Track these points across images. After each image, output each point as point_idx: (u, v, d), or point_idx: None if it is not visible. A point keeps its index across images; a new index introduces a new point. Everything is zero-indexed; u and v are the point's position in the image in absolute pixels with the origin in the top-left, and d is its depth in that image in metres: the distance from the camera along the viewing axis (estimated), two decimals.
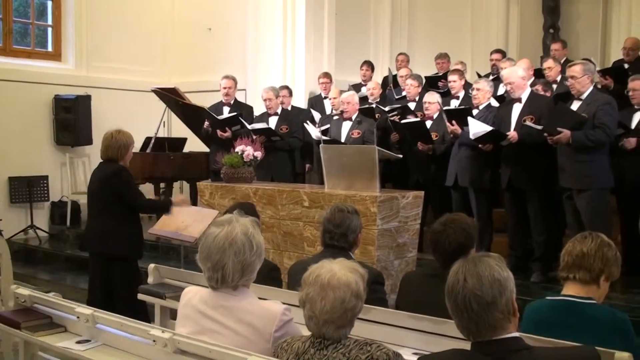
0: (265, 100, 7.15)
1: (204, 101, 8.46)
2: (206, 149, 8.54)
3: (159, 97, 8.65)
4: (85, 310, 2.80)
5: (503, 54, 8.16)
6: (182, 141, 8.93)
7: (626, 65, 7.23)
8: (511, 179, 5.82)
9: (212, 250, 2.43)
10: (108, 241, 4.48)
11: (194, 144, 8.91)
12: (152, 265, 3.86)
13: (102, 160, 4.71)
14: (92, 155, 9.13)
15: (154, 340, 2.49)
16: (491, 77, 7.43)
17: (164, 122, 8.96)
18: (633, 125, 5.59)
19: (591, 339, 2.27)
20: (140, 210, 4.82)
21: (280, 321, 2.40)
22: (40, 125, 8.85)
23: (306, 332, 2.30)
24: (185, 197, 5.23)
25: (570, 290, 2.61)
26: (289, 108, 7.67)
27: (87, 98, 8.94)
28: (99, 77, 9.28)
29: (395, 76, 8.59)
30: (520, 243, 5.97)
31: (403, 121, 6.54)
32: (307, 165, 7.89)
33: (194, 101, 8.42)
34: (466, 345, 2.04)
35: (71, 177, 9.00)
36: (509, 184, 5.85)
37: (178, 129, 9.19)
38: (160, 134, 8.69)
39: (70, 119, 8.78)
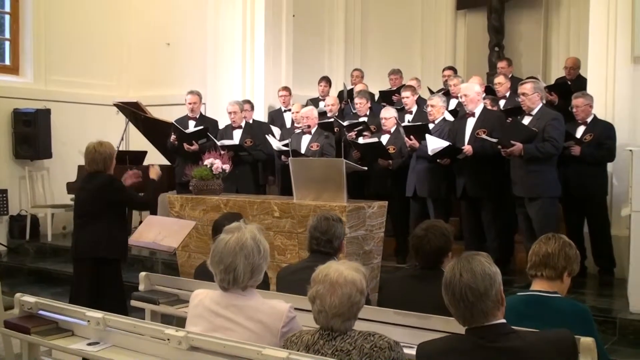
0: (230, 113, 7.37)
1: (164, 115, 8.64)
2: (166, 162, 8.70)
3: (120, 111, 8.77)
4: (96, 314, 2.98)
5: (454, 70, 8.61)
6: (143, 154, 9.05)
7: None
8: (466, 189, 6.22)
9: (224, 254, 2.67)
10: (100, 246, 4.64)
11: (154, 157, 9.05)
12: (143, 274, 4.04)
13: (87, 173, 4.83)
14: (52, 169, 9.21)
15: (168, 339, 2.70)
16: (442, 93, 7.83)
17: (122, 135, 9.10)
18: (578, 137, 6.06)
19: (558, 328, 2.61)
20: (136, 208, 5.02)
21: (287, 317, 2.66)
22: None
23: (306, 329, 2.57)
24: (156, 169, 5.37)
25: (538, 286, 2.96)
26: (251, 121, 7.91)
27: (47, 112, 8.98)
28: (58, 91, 9.34)
29: (351, 91, 8.95)
30: (475, 249, 6.31)
31: (362, 141, 6.85)
32: (270, 178, 8.13)
33: (154, 115, 8.58)
34: None
35: (30, 190, 8.98)
36: (464, 193, 6.25)
37: (136, 142, 9.32)
38: (120, 148, 8.79)
39: (30, 132, 8.82)
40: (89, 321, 3.00)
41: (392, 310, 3.12)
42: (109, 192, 4.72)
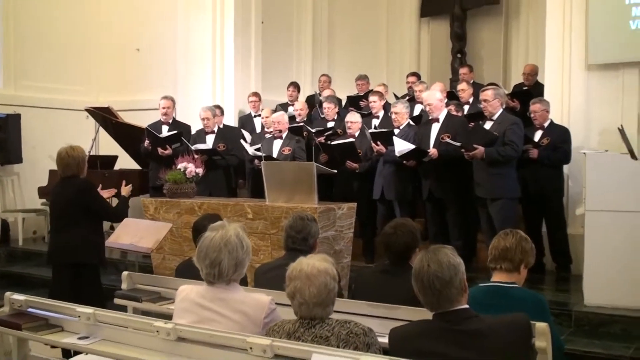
0: (203, 119, 7.55)
1: (134, 119, 8.76)
2: (137, 166, 8.83)
3: (91, 116, 8.87)
4: (86, 309, 3.15)
5: (418, 76, 8.90)
6: (114, 158, 9.16)
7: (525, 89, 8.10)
8: (431, 191, 6.51)
9: (209, 250, 2.87)
10: (78, 251, 4.74)
11: (125, 161, 9.16)
12: (125, 273, 4.21)
13: (61, 177, 4.92)
14: (22, 174, 9.26)
15: (157, 331, 2.88)
16: (407, 99, 8.11)
17: (93, 139, 9.19)
18: (536, 140, 6.39)
19: None
20: (109, 219, 5.12)
21: (269, 309, 2.88)
22: None
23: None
24: (129, 187, 5.49)
25: (498, 278, 3.23)
26: (221, 126, 8.09)
27: (17, 117, 9.02)
28: (28, 96, 9.37)
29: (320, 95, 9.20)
30: None
31: (335, 142, 7.08)
32: (240, 181, 8.32)
33: (125, 119, 8.70)
34: None
35: (1, 195, 9.01)
36: (430, 195, 6.53)
37: (107, 146, 9.41)
38: (91, 152, 8.88)
39: (0, 137, 8.83)
40: (79, 316, 3.16)
41: (364, 302, 3.35)
42: (85, 197, 4.83)
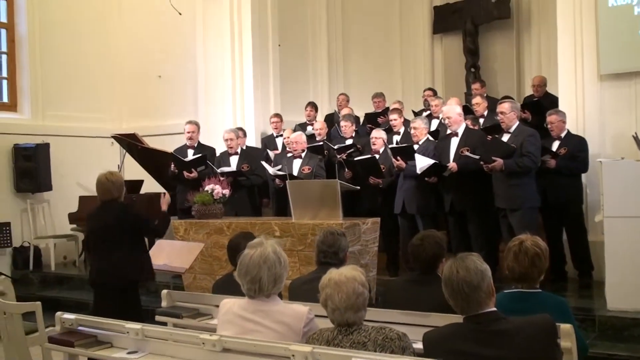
0: (226, 140, 7.78)
1: (158, 144, 9.02)
2: (161, 189, 9.06)
3: (118, 142, 9.14)
4: (135, 325, 3.35)
5: (434, 91, 9.10)
6: (140, 183, 9.40)
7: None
8: (453, 204, 6.65)
9: (250, 267, 3.07)
10: (126, 271, 4.90)
11: (150, 186, 9.40)
12: (165, 291, 4.42)
13: (101, 202, 5.07)
14: (52, 201, 9.53)
15: (203, 343, 3.07)
16: (424, 114, 8.30)
17: (118, 165, 9.47)
18: (554, 150, 6.55)
19: None
20: (152, 235, 5.28)
21: (307, 319, 3.07)
22: (0, 174, 9.17)
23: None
24: (167, 198, 5.65)
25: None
26: (244, 147, 8.30)
27: (46, 146, 9.32)
28: (55, 125, 9.70)
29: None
30: None
31: (358, 158, 7.26)
32: (264, 200, 8.53)
33: (150, 145, 8.96)
34: None
35: (32, 222, 9.28)
36: (451, 208, 6.69)
37: (132, 171, 9.67)
38: None
39: (31, 166, 9.15)
40: (128, 332, 3.37)
41: (396, 310, 3.53)
42: (128, 219, 5.01)
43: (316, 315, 3.19)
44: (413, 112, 8.94)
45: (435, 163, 6.52)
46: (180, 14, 9.85)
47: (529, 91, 9.04)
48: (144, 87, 10.50)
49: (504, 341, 2.56)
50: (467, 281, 2.63)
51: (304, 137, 7.77)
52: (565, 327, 3.00)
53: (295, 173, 7.43)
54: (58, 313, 3.68)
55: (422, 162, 6.53)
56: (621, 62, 6.80)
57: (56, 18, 9.90)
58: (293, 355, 2.78)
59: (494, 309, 2.68)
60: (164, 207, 5.46)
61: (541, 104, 7.63)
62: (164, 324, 4.35)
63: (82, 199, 9.06)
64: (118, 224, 4.93)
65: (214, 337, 3.05)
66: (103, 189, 5.05)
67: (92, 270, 5.16)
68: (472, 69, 10.56)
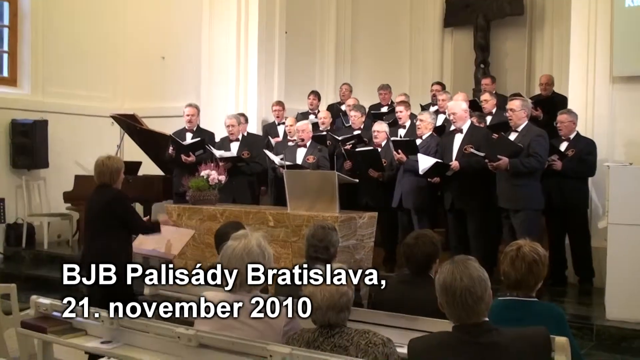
0: (228, 126, 7.63)
1: (158, 126, 8.87)
2: (160, 172, 8.93)
3: (117, 123, 8.99)
4: (110, 314, 3.21)
5: (443, 86, 8.91)
6: (138, 165, 9.26)
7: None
8: (453, 202, 6.50)
9: (231, 259, 2.91)
10: (110, 256, 4.81)
11: (148, 168, 9.27)
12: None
13: (97, 185, 5.02)
14: (48, 178, 9.40)
15: (179, 337, 2.92)
16: (432, 109, 8.12)
17: (117, 145, 9.32)
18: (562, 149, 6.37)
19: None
20: (138, 232, 5.20)
21: (289, 318, 2.90)
22: None
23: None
24: (166, 216, 5.61)
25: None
26: (245, 134, 8.14)
27: (44, 123, 9.17)
28: (55, 102, 9.54)
29: (340, 105, 9.24)
30: None
31: (358, 149, 7.10)
32: (262, 188, 8.37)
33: (149, 126, 8.81)
34: None
35: (27, 199, 9.15)
36: (452, 206, 6.53)
37: (131, 153, 9.52)
38: None
39: (27, 143, 9.01)
40: (102, 321, 3.22)
41: (384, 312, 3.37)
42: (116, 208, 4.93)
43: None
44: (421, 106, 8.76)
45: (437, 162, 6.35)
46: None
47: (538, 90, 8.85)
48: (147, 67, 10.34)
49: (494, 355, 2.39)
50: (471, 291, 2.42)
51: (310, 127, 7.62)
52: (560, 341, 2.83)
53: (299, 162, 7.28)
54: (33, 297, 3.53)
55: (425, 163, 6.36)
56: (635, 65, 6.61)
57: None
58: (271, 356, 2.63)
59: (486, 319, 2.51)
60: (163, 221, 5.37)
61: (553, 102, 7.45)
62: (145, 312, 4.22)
63: (78, 179, 8.91)
64: (105, 210, 4.86)
65: (190, 332, 2.90)
66: (97, 172, 5.02)
67: (82, 250, 5.10)
68: (482, 65, 10.36)
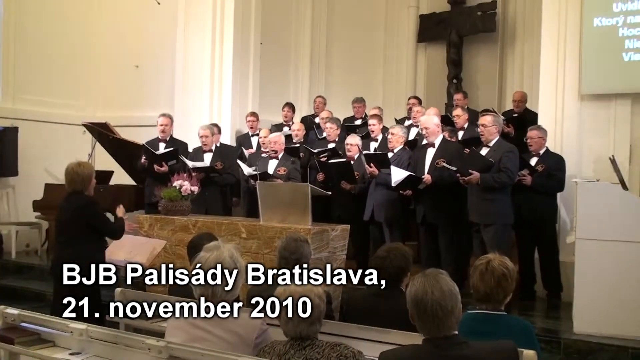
0: (202, 137, 7.61)
1: (131, 135, 8.80)
2: (132, 182, 8.85)
3: (89, 131, 8.91)
4: (79, 325, 3.18)
5: (419, 100, 9.00)
6: (109, 174, 9.18)
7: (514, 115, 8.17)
8: (425, 215, 6.55)
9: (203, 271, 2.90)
10: (80, 264, 4.75)
11: (120, 177, 9.19)
12: (118, 289, 4.26)
13: (68, 192, 4.98)
14: (17, 186, 9.28)
15: (149, 349, 2.91)
16: (407, 123, 8.18)
17: (89, 154, 9.24)
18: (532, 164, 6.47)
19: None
20: (110, 236, 5.17)
21: (260, 330, 2.91)
22: None
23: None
24: (123, 209, 5.52)
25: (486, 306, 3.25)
26: (218, 144, 8.12)
27: (15, 130, 9.06)
28: (26, 110, 9.44)
29: (313, 117, 9.28)
30: None
31: (332, 161, 7.12)
32: (235, 200, 8.35)
33: (122, 135, 8.74)
34: None
35: None
36: (423, 219, 6.58)
37: (103, 162, 9.44)
38: None
39: None
40: (72, 332, 3.19)
41: (355, 325, 3.38)
42: (86, 215, 4.89)
43: (271, 324, 3.04)
44: (395, 120, 8.83)
45: (410, 175, 6.40)
46: (159, 3, 9.67)
47: (510, 105, 8.99)
48: (120, 76, 10.28)
49: None
50: (441, 305, 2.46)
51: (282, 139, 7.61)
52: (529, 354, 2.88)
53: (270, 173, 7.27)
54: (0, 307, 3.48)
55: (397, 175, 6.41)
56: (603, 83, 6.74)
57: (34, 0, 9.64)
58: None
59: (456, 332, 2.54)
60: (119, 214, 5.33)
61: (524, 119, 7.57)
62: (115, 323, 4.19)
63: (48, 187, 8.81)
64: (75, 217, 4.82)
65: (160, 344, 2.89)
66: (68, 179, 4.99)
67: (53, 258, 5.07)
68: (454, 80, 10.50)
